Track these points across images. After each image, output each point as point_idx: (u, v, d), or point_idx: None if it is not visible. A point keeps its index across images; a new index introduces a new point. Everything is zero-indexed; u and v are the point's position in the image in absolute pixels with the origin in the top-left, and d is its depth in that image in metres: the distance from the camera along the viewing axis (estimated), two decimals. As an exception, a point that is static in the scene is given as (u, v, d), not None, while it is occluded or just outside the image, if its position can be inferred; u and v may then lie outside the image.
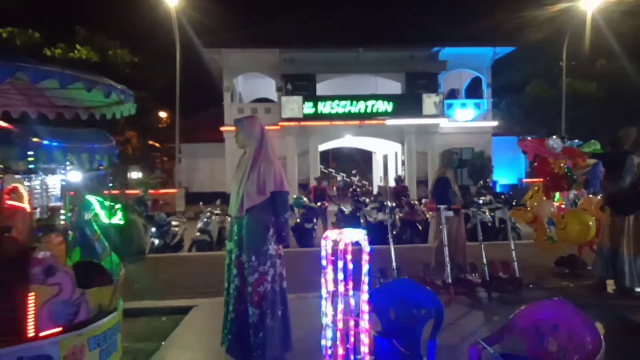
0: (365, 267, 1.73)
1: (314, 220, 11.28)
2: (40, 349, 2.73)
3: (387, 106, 21.74)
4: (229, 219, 11.38)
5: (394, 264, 5.75)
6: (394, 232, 8.35)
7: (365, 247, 1.73)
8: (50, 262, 2.94)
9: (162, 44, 22.81)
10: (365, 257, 1.73)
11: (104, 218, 4.11)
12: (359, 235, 1.73)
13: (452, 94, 25.90)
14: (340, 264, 1.80)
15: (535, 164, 7.06)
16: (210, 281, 6.62)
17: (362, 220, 11.03)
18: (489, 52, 23.55)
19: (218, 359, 3.75)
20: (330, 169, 30.53)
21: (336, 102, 21.65)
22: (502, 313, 4.92)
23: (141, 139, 25.33)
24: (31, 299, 2.79)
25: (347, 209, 12.47)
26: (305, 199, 12.13)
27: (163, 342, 4.28)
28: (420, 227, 10.30)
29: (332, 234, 1.75)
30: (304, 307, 4.98)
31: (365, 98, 21.95)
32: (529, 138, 7.59)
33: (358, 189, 15.92)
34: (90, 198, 4.07)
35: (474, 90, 25.50)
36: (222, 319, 3.79)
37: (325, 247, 1.75)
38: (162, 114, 28.70)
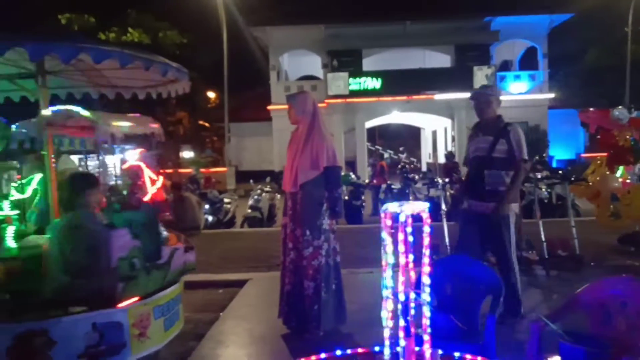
0: (426, 240, 1.71)
1: (362, 197, 11.29)
2: (112, 316, 2.91)
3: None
4: (278, 196, 11.66)
5: (446, 240, 5.67)
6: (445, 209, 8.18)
7: (427, 219, 1.70)
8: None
9: (207, 24, 23.07)
10: (427, 229, 1.71)
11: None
12: (420, 207, 1.70)
13: (505, 66, 24.78)
14: (397, 237, 1.79)
15: (599, 136, 6.68)
16: (262, 256, 6.79)
17: (411, 197, 10.92)
18: (545, 20, 22.27)
19: (275, 330, 3.85)
20: (377, 146, 30.21)
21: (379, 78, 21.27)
22: (561, 291, 4.78)
23: (192, 119, 25.96)
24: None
25: (395, 186, 12.37)
26: (353, 176, 12.13)
27: (221, 313, 4.45)
28: (472, 204, 10.05)
29: (392, 206, 1.72)
30: (355, 282, 5.02)
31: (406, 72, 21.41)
32: (592, 109, 7.19)
33: (407, 166, 15.70)
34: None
35: (528, 61, 24.27)
36: (278, 292, 3.88)
37: (385, 219, 1.74)
38: (211, 94, 29.22)
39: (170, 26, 21.59)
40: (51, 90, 4.18)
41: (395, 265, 1.77)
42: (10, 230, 3.12)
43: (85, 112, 3.58)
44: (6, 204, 3.81)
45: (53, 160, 3.56)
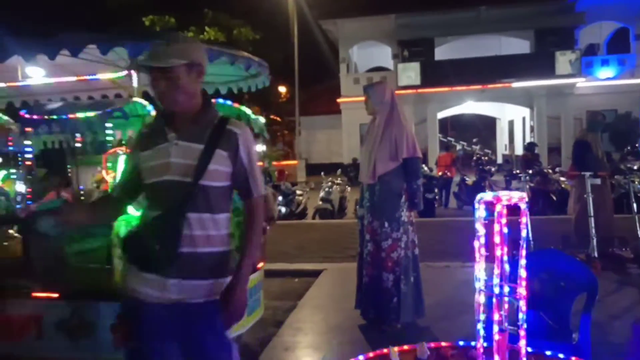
0: (523, 232, 1.64)
1: (435, 190, 11.04)
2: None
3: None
4: (349, 188, 11.64)
5: (529, 234, 5.40)
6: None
7: (525, 210, 1.63)
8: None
9: (277, 19, 23.48)
10: (524, 220, 1.64)
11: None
12: (517, 197, 1.63)
13: (591, 50, 23.03)
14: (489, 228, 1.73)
15: None
16: (335, 247, 6.86)
17: (487, 191, 10.50)
18: (638, -3, 20.40)
19: (352, 320, 3.88)
20: (449, 138, 29.29)
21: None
22: (661, 292, 4.41)
23: (264, 114, 26.63)
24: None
25: (469, 178, 11.95)
26: (425, 168, 11.88)
27: (298, 302, 4.55)
28: (554, 198, 9.50)
29: (487, 196, 1.67)
30: (431, 276, 4.92)
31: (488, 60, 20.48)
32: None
33: (482, 158, 15.13)
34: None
35: (617, 44, 22.38)
36: (352, 283, 3.90)
37: (479, 210, 1.68)
38: (282, 89, 29.79)
39: (243, 23, 22.16)
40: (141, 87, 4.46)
41: (488, 258, 1.71)
42: None
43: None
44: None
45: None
